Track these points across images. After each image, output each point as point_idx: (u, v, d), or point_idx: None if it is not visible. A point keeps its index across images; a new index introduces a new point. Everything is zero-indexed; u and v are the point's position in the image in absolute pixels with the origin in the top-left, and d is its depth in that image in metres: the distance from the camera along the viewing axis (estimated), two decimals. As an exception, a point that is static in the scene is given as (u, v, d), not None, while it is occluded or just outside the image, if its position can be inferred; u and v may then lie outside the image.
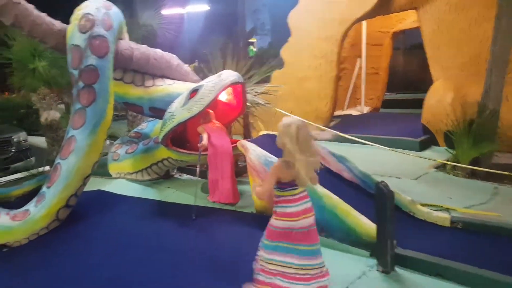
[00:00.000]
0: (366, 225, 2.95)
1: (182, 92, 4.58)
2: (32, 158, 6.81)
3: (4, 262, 3.32)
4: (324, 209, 3.12)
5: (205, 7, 16.94)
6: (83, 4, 4.26)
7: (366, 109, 9.17)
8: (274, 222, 2.27)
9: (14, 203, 4.20)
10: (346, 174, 3.77)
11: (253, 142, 3.93)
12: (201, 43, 11.60)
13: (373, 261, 2.85)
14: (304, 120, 2.45)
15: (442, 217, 3.41)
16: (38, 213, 3.67)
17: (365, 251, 2.98)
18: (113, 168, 5.20)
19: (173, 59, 5.05)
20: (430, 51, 6.41)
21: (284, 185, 2.21)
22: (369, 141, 5.53)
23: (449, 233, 3.27)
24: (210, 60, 5.19)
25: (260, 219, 3.60)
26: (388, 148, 5.34)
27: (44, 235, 3.70)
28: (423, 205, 3.64)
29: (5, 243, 3.55)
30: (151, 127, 5.85)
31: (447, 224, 3.36)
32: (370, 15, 6.76)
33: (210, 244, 3.29)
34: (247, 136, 5.13)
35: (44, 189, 3.82)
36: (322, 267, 2.25)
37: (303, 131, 2.14)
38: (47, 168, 5.72)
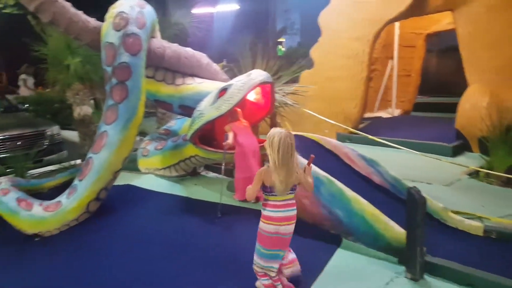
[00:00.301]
0: (395, 231, 2.88)
1: (211, 91, 4.62)
2: (65, 152, 7.04)
3: (36, 251, 3.43)
4: (352, 213, 3.06)
5: (235, 7, 17.03)
6: (118, 3, 4.34)
7: (396, 112, 8.95)
8: (262, 225, 2.40)
9: (47, 195, 4.32)
10: (376, 178, 3.68)
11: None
12: (229, 42, 11.65)
13: (401, 268, 2.77)
14: (296, 133, 2.63)
15: (474, 226, 3.28)
16: (70, 205, 3.78)
17: (393, 257, 2.90)
18: (142, 164, 5.31)
19: (203, 58, 5.09)
20: (465, 53, 6.18)
21: (267, 189, 2.36)
22: (399, 145, 5.39)
23: (481, 243, 3.14)
24: (239, 59, 5.20)
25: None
26: (420, 153, 5.19)
27: (74, 226, 3.81)
28: (454, 212, 3.51)
29: (37, 232, 3.67)
30: (179, 124, 5.94)
31: (480, 233, 3.23)
32: (403, 16, 6.59)
33: (235, 242, 3.31)
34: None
35: (76, 181, 3.93)
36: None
37: (284, 144, 2.28)
38: (78, 161, 5.91)
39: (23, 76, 11.83)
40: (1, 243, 3.57)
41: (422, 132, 6.74)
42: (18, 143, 6.25)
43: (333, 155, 3.86)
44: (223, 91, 4.01)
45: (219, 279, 2.77)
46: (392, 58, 8.87)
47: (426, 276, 2.67)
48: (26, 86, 11.76)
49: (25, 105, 8.92)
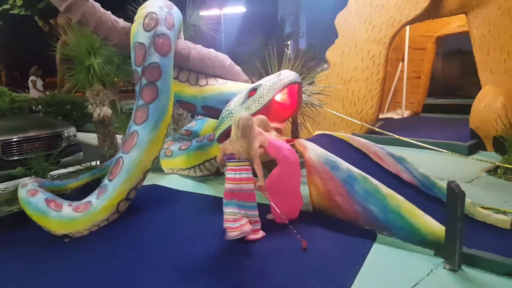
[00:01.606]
0: (431, 225, 2.95)
1: (234, 92, 4.69)
2: (81, 153, 7.08)
3: (66, 252, 3.38)
4: (387, 208, 3.14)
5: (241, 9, 17.10)
6: (147, 3, 4.39)
7: (406, 113, 9.06)
8: (225, 184, 3.29)
9: (70, 195, 4.30)
10: (404, 176, 3.76)
11: (310, 141, 3.96)
12: (237, 44, 11.73)
13: (439, 260, 2.85)
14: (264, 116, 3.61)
15: (502, 219, 3.37)
16: (100, 205, 3.73)
17: (429, 250, 2.98)
18: (166, 164, 5.36)
19: (226, 59, 5.16)
20: (479, 56, 6.29)
21: (229, 156, 3.24)
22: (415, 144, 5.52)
23: (508, 235, 3.23)
24: (268, 60, 5.26)
25: (317, 217, 3.69)
26: (446, 150, 5.31)
27: (104, 226, 3.77)
28: (482, 207, 3.61)
29: (67, 233, 3.60)
30: (200, 125, 6.01)
31: (507, 226, 3.32)
32: (419, 18, 6.70)
33: (264, 241, 3.31)
34: (295, 135, 5.19)
35: (105, 181, 3.91)
36: (256, 217, 3.32)
37: (243, 123, 3.17)
38: (98, 162, 5.96)
39: (32, 77, 11.87)
40: (31, 244, 3.52)
41: (434, 132, 6.87)
42: (36, 145, 6.30)
43: (361, 154, 3.94)
44: (253, 91, 4.07)
45: (253, 278, 2.80)
46: (402, 60, 8.98)
47: (463, 267, 2.75)
48: (35, 88, 11.79)
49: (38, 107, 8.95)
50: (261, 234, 3.34)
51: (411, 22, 6.90)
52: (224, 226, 3.25)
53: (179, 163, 5.19)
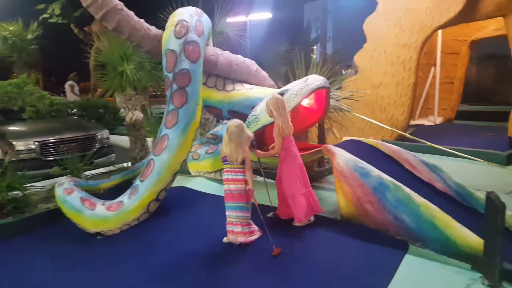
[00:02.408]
0: (468, 237, 2.82)
1: (260, 97, 4.70)
2: (113, 155, 7.30)
3: (97, 249, 3.49)
4: (421, 218, 3.03)
5: (267, 15, 17.21)
6: (178, 11, 4.51)
7: (438, 120, 8.79)
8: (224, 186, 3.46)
9: (102, 195, 4.44)
10: (439, 185, 3.63)
11: (338, 147, 3.90)
12: (262, 49, 11.76)
13: (476, 275, 2.72)
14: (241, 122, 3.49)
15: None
16: (131, 204, 3.85)
17: (465, 264, 2.85)
18: (192, 167, 5.44)
19: (252, 64, 5.20)
20: (518, 60, 6.04)
21: (224, 158, 3.45)
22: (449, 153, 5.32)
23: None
24: (295, 65, 5.25)
25: (345, 226, 3.62)
26: (483, 160, 5.10)
27: (134, 225, 3.87)
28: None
29: (100, 231, 3.73)
30: (225, 129, 6.05)
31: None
32: (453, 22, 6.50)
33: (288, 246, 3.28)
34: (322, 141, 5.13)
35: (137, 182, 4.04)
36: (248, 218, 3.45)
37: (232, 129, 3.36)
38: (130, 164, 6.10)
39: (69, 82, 12.40)
40: (65, 240, 3.65)
41: (469, 140, 6.61)
42: (71, 146, 6.55)
43: (393, 161, 3.84)
44: (280, 96, 4.05)
45: (275, 284, 2.76)
46: (434, 65, 8.74)
47: (504, 284, 2.61)
48: (73, 92, 12.31)
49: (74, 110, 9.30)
50: (257, 235, 3.46)
51: (443, 26, 6.71)
52: (227, 229, 3.40)
53: (206, 166, 5.26)
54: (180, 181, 5.17)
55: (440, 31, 8.31)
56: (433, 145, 5.58)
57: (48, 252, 3.43)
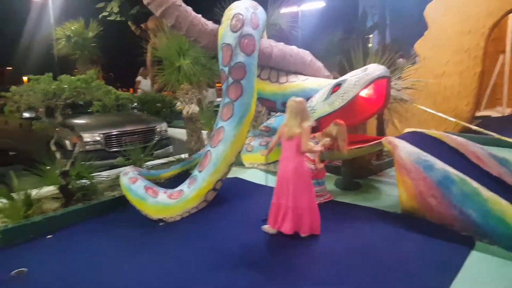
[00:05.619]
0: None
1: (315, 88, 4.64)
2: (171, 146, 7.64)
3: (159, 234, 3.67)
4: (489, 213, 2.86)
5: (320, 4, 16.87)
6: (233, 5, 4.55)
7: (507, 111, 8.13)
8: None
9: (163, 184, 4.67)
10: (509, 179, 3.37)
11: (399, 139, 3.75)
12: (315, 39, 11.56)
13: (552, 275, 2.53)
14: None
15: None
16: (191, 193, 4.01)
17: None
18: (246, 159, 5.54)
19: (307, 55, 5.13)
20: None
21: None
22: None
23: None
24: (353, 55, 5.11)
25: (406, 220, 3.51)
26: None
27: (193, 213, 4.03)
28: None
29: (162, 218, 3.92)
30: (278, 121, 6.06)
31: None
32: (527, 5, 5.96)
33: (345, 239, 3.25)
34: (381, 133, 4.97)
35: (196, 172, 4.20)
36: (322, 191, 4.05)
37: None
38: (187, 155, 6.35)
39: (138, 78, 13.17)
40: (129, 226, 3.86)
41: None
42: (133, 138, 6.96)
43: (458, 154, 3.63)
44: (336, 86, 3.99)
45: (333, 276, 2.74)
46: (503, 52, 8.07)
47: None
48: (138, 87, 13.10)
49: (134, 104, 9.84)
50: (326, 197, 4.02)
51: (515, 10, 6.16)
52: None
53: (259, 158, 5.31)
54: (235, 173, 5.28)
55: (511, 16, 7.63)
56: (502, 137, 5.17)
57: (115, 236, 3.66)
